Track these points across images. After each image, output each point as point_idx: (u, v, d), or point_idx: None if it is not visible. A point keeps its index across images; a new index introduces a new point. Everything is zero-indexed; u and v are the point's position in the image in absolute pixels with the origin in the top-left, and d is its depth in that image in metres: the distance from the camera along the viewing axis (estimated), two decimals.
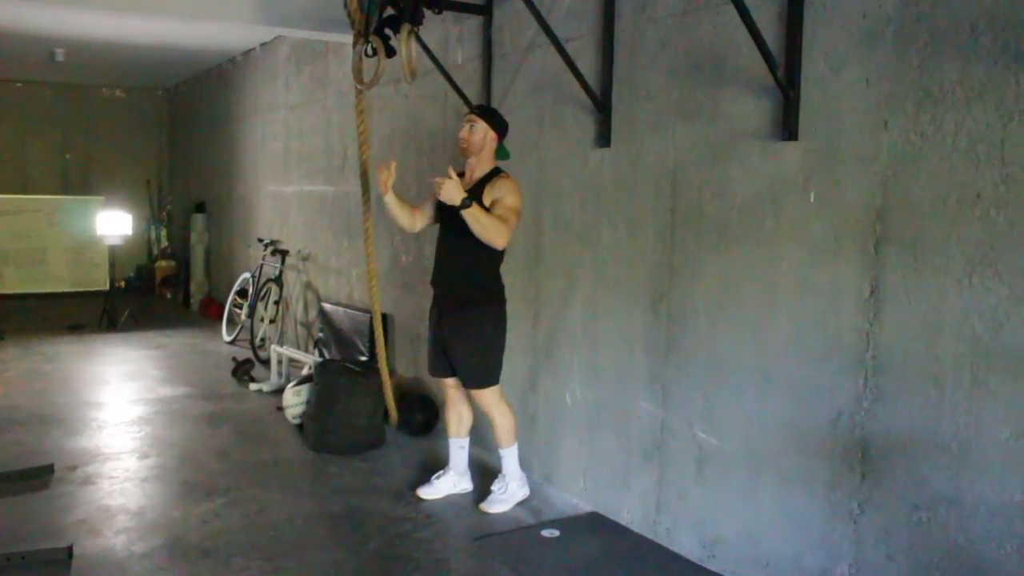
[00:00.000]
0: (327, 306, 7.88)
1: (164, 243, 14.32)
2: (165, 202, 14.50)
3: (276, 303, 8.77)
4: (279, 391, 7.15)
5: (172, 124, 14.53)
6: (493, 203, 4.28)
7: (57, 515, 4.50)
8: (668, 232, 4.12)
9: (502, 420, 4.56)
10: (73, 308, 11.93)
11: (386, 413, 5.63)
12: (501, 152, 4.51)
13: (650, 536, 4.29)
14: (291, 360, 7.60)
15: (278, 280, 8.76)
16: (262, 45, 9.72)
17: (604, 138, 4.46)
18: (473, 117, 4.42)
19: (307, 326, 8.61)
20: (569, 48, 4.53)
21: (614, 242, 4.47)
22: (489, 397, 4.51)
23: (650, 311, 4.25)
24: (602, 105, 4.42)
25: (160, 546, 4.14)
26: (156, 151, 14.80)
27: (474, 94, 5.48)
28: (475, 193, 4.30)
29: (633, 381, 4.38)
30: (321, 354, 7.72)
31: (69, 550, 4.02)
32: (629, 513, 4.44)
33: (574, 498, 4.84)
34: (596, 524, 4.52)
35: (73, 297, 12.90)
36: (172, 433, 6.10)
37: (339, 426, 5.63)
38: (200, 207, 12.50)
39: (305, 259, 8.60)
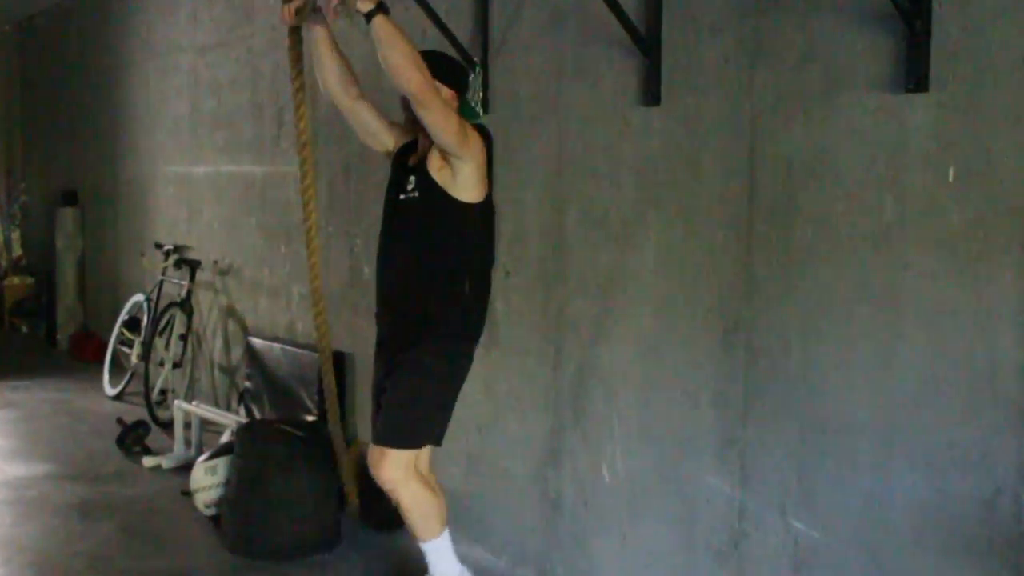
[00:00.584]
0: (257, 342, 8.01)
1: (16, 252, 14.52)
2: (17, 191, 14.70)
3: (183, 338, 8.91)
4: (188, 466, 7.25)
5: (25, 76, 14.74)
6: (446, 158, 4.39)
7: None
8: (744, 229, 4.21)
9: (413, 503, 4.63)
10: None
11: (341, 497, 5.73)
12: (466, 111, 4.62)
13: None
14: (204, 422, 7.73)
15: (185, 304, 8.91)
16: None
17: (651, 92, 4.57)
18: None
19: (228, 371, 8.74)
20: None
21: (667, 244, 4.57)
22: (391, 466, 4.51)
23: (721, 346, 4.34)
24: (648, 44, 4.53)
25: None
26: (3, 115, 15.01)
27: (464, 30, 5.60)
28: (422, 171, 4.46)
29: (698, 448, 4.47)
30: (249, 412, 7.85)
31: None
32: None
33: None
34: None
35: None
36: (23, 532, 6.19)
37: (273, 517, 5.72)
38: (69, 198, 12.68)
39: (225, 273, 8.75)
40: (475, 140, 4.38)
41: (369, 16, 4.13)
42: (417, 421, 4.56)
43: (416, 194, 4.45)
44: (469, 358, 4.66)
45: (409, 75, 4.13)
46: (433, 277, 4.49)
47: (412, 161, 4.57)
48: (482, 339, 5.50)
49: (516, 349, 5.49)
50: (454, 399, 4.67)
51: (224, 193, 8.75)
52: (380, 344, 4.70)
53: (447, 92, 4.48)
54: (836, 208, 3.85)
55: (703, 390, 4.43)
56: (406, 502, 4.61)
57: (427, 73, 4.18)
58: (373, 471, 4.55)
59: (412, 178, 4.46)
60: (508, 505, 5.61)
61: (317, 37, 4.58)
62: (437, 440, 4.69)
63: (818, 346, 3.95)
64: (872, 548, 3.80)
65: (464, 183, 4.40)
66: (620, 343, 4.85)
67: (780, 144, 4.06)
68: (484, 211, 4.55)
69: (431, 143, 4.42)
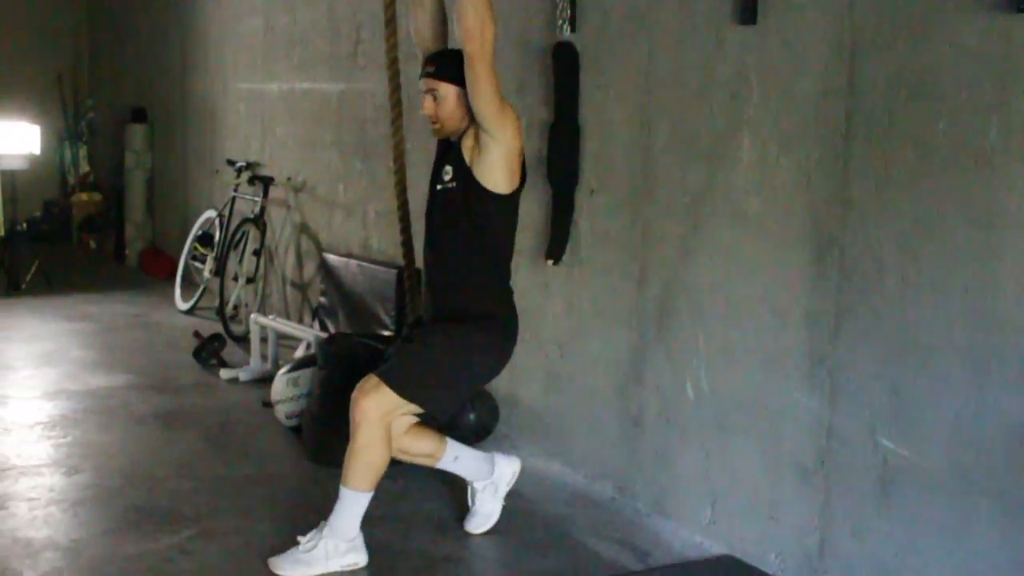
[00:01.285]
0: (332, 258, 8.09)
1: (84, 168, 14.65)
2: (85, 108, 14.80)
3: (256, 254, 9.01)
4: (264, 379, 7.39)
5: None
6: (478, 136, 4.37)
7: None
8: (841, 149, 4.21)
9: (367, 446, 4.45)
10: None
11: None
12: None
13: None
14: (280, 336, 7.84)
15: (258, 221, 8.99)
16: None
17: (747, 10, 4.53)
18: (432, 82, 4.49)
19: (301, 287, 8.84)
20: None
21: (760, 164, 4.58)
22: (375, 401, 4.41)
23: (813, 265, 4.36)
24: None
25: None
26: (71, 31, 15.08)
27: None
28: (456, 155, 4.45)
29: (787, 366, 4.50)
30: (323, 326, 7.94)
31: None
32: (779, 557, 4.59)
33: (697, 535, 4.99)
34: (730, 572, 4.66)
35: None
36: (111, 439, 6.37)
37: None
38: (138, 115, 12.78)
39: (298, 190, 8.82)
40: (512, 124, 4.37)
41: None
42: (429, 380, 4.51)
43: (453, 184, 4.45)
44: (503, 358, 4.66)
45: (475, 31, 4.14)
46: (480, 273, 4.51)
47: (449, 147, 4.57)
48: (565, 257, 5.59)
49: (599, 267, 5.52)
50: (470, 386, 4.69)
51: (298, 110, 8.79)
52: (418, 323, 4.77)
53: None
54: (938, 128, 3.83)
55: (793, 308, 4.45)
56: (362, 441, 4.43)
57: (492, 40, 4.18)
58: (355, 394, 4.45)
59: (448, 167, 4.46)
60: (588, 421, 5.68)
61: None
62: (436, 412, 4.65)
63: (915, 266, 3.95)
64: (963, 469, 3.82)
65: (493, 166, 4.36)
66: (708, 261, 4.87)
67: (881, 64, 4.03)
68: (515, 204, 4.55)
69: (468, 123, 4.45)
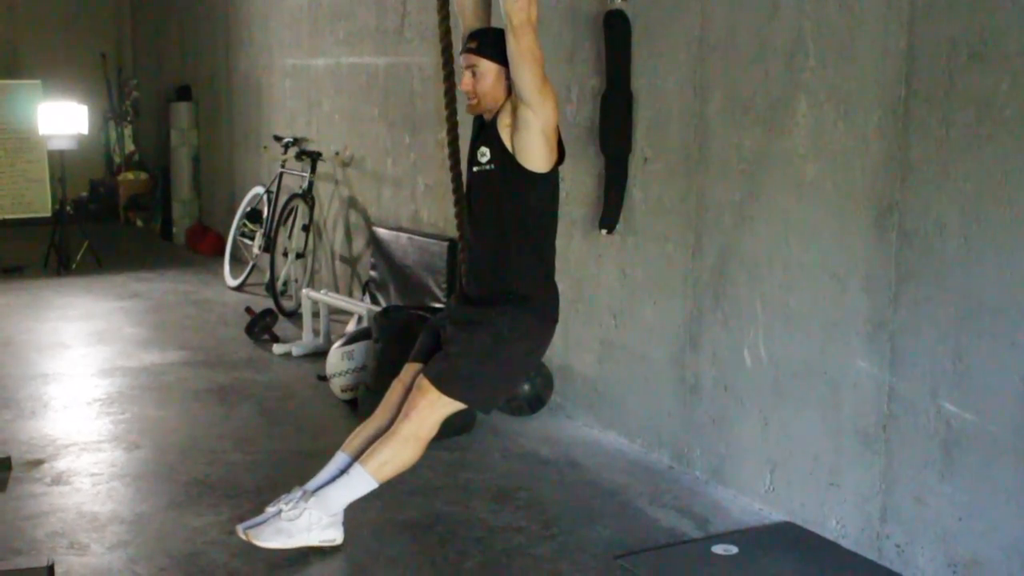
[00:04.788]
0: (382, 232, 8.12)
1: (130, 147, 14.77)
2: (130, 87, 14.90)
3: (305, 229, 9.05)
4: (317, 353, 7.45)
5: None
6: (516, 112, 4.32)
7: (22, 526, 4.81)
8: (901, 111, 4.18)
9: (404, 445, 4.42)
10: (3, 243, 12.42)
11: None
12: None
13: (872, 556, 4.42)
14: (331, 310, 7.88)
15: (307, 196, 9.04)
16: None
17: None
18: (473, 58, 4.44)
19: (350, 261, 8.88)
20: None
21: (817, 128, 4.56)
22: (430, 404, 4.41)
23: (873, 229, 4.34)
24: None
25: (174, 566, 4.43)
26: (114, 10, 15.17)
27: None
28: (493, 135, 4.41)
29: (846, 332, 4.49)
30: (374, 300, 7.98)
31: (50, 570, 4.31)
32: (840, 523, 4.59)
33: (756, 502, 5.01)
34: (791, 538, 4.68)
35: (1, 227, 13.41)
36: (168, 415, 6.44)
37: None
38: (183, 93, 12.85)
39: (346, 165, 8.85)
40: (552, 98, 4.31)
41: None
42: (478, 381, 4.48)
43: (490, 167, 4.42)
44: (547, 341, 4.63)
45: (521, 14, 4.11)
46: (519, 254, 4.46)
47: (483, 128, 4.52)
48: (618, 226, 5.59)
49: (654, 235, 5.52)
50: (515, 377, 4.65)
51: (345, 85, 8.81)
52: (462, 297, 4.71)
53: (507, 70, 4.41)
54: (1001, 89, 3.80)
55: (852, 273, 4.44)
56: (403, 434, 4.40)
57: (536, 12, 4.15)
58: (413, 392, 4.44)
59: (485, 149, 4.43)
60: (644, 390, 5.68)
61: None
62: (483, 408, 4.70)
63: (977, 228, 3.93)
64: None
65: (530, 143, 4.31)
66: (765, 227, 4.86)
67: (941, 24, 4.00)
68: (554, 183, 4.52)
69: (504, 100, 4.41)
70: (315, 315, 7.80)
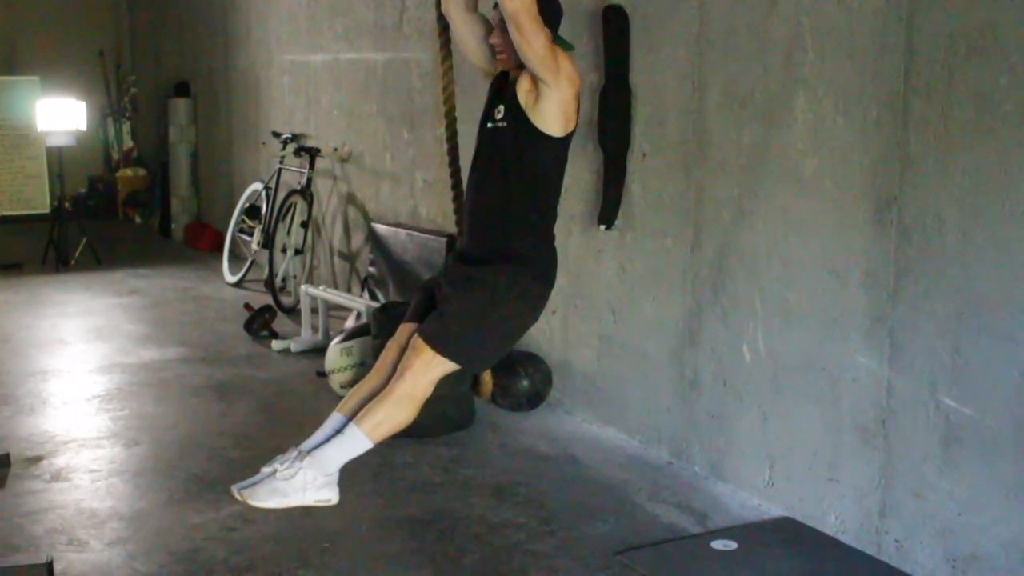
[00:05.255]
0: (380, 228, 8.13)
1: (128, 144, 14.77)
2: (128, 83, 14.90)
3: (303, 225, 9.06)
4: (316, 350, 7.46)
5: None
6: (536, 81, 4.28)
7: (21, 522, 4.82)
8: (899, 106, 4.18)
9: (399, 404, 4.35)
10: (2, 239, 12.42)
11: (475, 379, 5.86)
12: (560, 44, 4.53)
13: (871, 552, 4.43)
14: (330, 306, 7.88)
15: (305, 192, 9.04)
16: None
17: None
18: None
19: (349, 257, 8.89)
20: None
21: (816, 122, 4.56)
22: (422, 362, 4.34)
23: (872, 224, 4.34)
24: None
25: (173, 563, 4.44)
26: (112, 7, 15.17)
27: None
28: (511, 96, 4.35)
29: (845, 327, 4.49)
30: (373, 296, 7.99)
31: (49, 567, 4.32)
32: (839, 518, 4.59)
33: (755, 497, 5.01)
34: (790, 534, 4.68)
35: (0, 224, 13.41)
36: (167, 411, 6.44)
37: None
38: (181, 89, 12.86)
39: (345, 160, 8.85)
40: (568, 69, 4.26)
41: None
42: (472, 341, 4.42)
43: (504, 124, 4.37)
44: (542, 305, 4.55)
45: (515, 1, 4.05)
46: (522, 212, 4.42)
47: (503, 87, 4.48)
48: (617, 222, 5.60)
49: (652, 231, 5.52)
50: (512, 339, 4.55)
51: (343, 81, 8.81)
52: (459, 257, 4.62)
53: None
54: (1000, 84, 3.80)
55: (852, 269, 4.44)
56: (398, 394, 4.33)
57: (537, 27, 4.10)
58: (408, 352, 4.37)
59: (501, 107, 4.39)
60: (643, 386, 5.69)
61: None
62: (476, 367, 4.66)
63: (976, 223, 3.93)
64: None
65: (548, 112, 4.27)
66: (763, 223, 4.86)
67: (940, 18, 4.00)
68: (565, 148, 4.46)
69: (523, 67, 4.39)
70: (314, 311, 7.80)
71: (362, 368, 6.23)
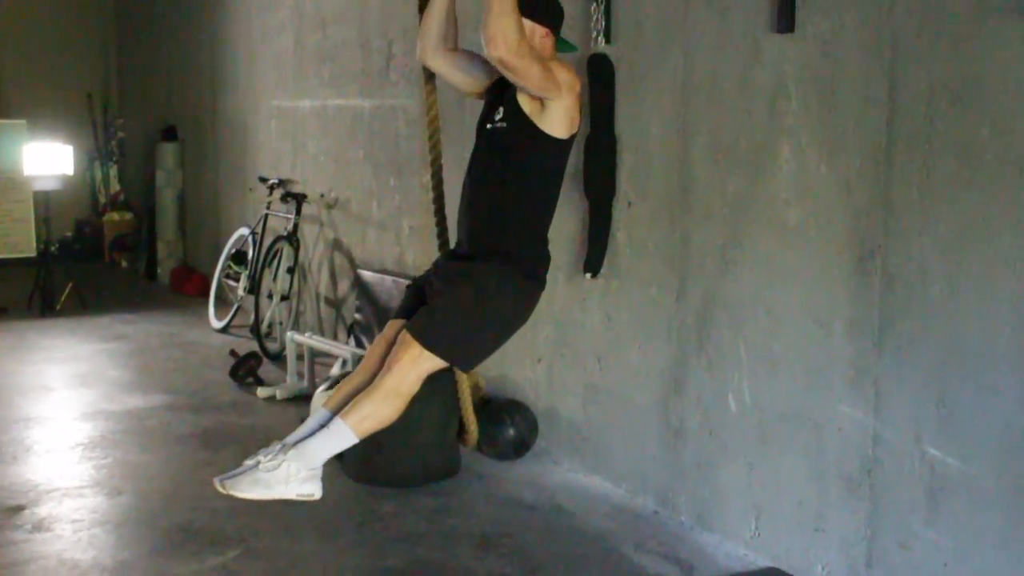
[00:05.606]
0: (367, 274, 8.12)
1: (115, 187, 14.77)
2: (116, 127, 14.92)
3: (290, 271, 9.05)
4: (301, 397, 7.42)
5: (123, 11, 14.93)
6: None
7: (2, 574, 4.78)
8: (882, 156, 4.20)
9: (386, 399, 4.30)
10: None
11: (461, 428, 5.83)
12: (562, 46, 4.52)
13: None
14: (316, 353, 7.86)
15: (291, 238, 9.03)
16: None
17: (785, 17, 4.55)
18: None
19: (335, 304, 8.87)
20: None
21: (800, 172, 4.58)
22: (409, 358, 4.28)
23: (856, 274, 4.35)
24: None
25: None
26: (100, 51, 15.22)
27: None
28: (512, 100, 4.33)
29: (830, 376, 4.49)
30: (359, 343, 7.97)
31: None
32: (825, 569, 4.57)
33: (742, 547, 4.99)
34: None
35: None
36: (151, 460, 6.40)
37: (395, 446, 5.84)
38: (169, 133, 12.87)
39: (331, 206, 8.86)
40: (567, 80, 4.25)
41: None
42: (461, 337, 4.36)
43: (503, 124, 4.36)
44: (533, 304, 4.51)
45: (497, 37, 4.00)
46: (519, 211, 4.40)
47: (503, 89, 4.44)
48: (603, 270, 5.60)
49: (638, 279, 5.52)
50: (502, 338, 4.49)
51: (330, 127, 8.83)
52: (452, 255, 4.58)
53: (541, 30, 4.35)
54: (981, 135, 3.83)
55: (836, 318, 4.45)
56: (384, 389, 4.27)
57: (517, 39, 4.03)
58: (396, 347, 4.32)
59: (501, 108, 4.38)
60: (628, 434, 5.67)
61: None
62: (463, 364, 4.52)
63: (959, 273, 3.94)
64: (1014, 476, 3.80)
65: (553, 119, 4.28)
66: (748, 272, 4.87)
67: (923, 70, 4.03)
68: (567, 149, 4.45)
69: None
70: (300, 358, 7.78)
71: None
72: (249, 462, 4.27)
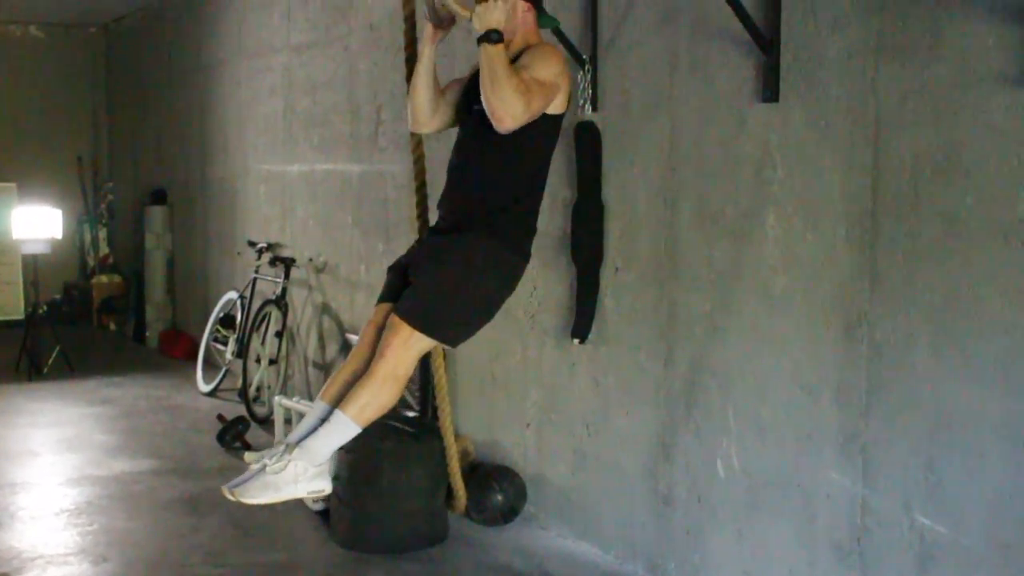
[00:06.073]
0: (354, 339, 8.07)
1: (104, 250, 14.77)
2: (104, 190, 14.95)
3: (278, 335, 9.04)
4: None
5: (113, 76, 15.00)
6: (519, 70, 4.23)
7: None
8: (868, 224, 4.24)
9: (382, 386, 4.24)
10: None
11: (449, 493, 5.81)
12: (544, 20, 4.46)
13: None
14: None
15: (280, 302, 9.03)
16: None
17: (770, 89, 4.60)
18: None
19: (323, 368, 8.85)
20: None
21: (786, 240, 4.61)
22: (400, 340, 4.24)
23: (843, 341, 4.37)
24: (767, 41, 4.56)
25: None
26: (90, 115, 15.27)
27: (573, 26, 5.66)
28: None
29: (819, 443, 4.50)
30: None
31: None
32: None
33: None
34: None
35: None
36: (136, 526, 6.37)
37: (383, 512, 5.83)
38: (158, 197, 12.88)
39: (320, 270, 8.86)
40: (559, 72, 4.20)
41: (484, 37, 4.03)
42: (448, 313, 4.31)
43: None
44: (517, 276, 4.43)
45: (503, 107, 4.02)
46: (505, 187, 4.33)
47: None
48: (591, 336, 5.60)
49: (626, 345, 5.53)
50: (489, 312, 4.40)
51: (319, 191, 8.86)
52: (434, 231, 4.55)
53: (523, 4, 4.33)
54: (965, 203, 3.86)
55: (824, 385, 4.46)
56: (380, 375, 4.21)
57: (519, 99, 4.04)
58: (386, 331, 4.26)
59: None
60: (617, 500, 5.66)
61: (427, 59, 4.44)
62: (453, 341, 4.45)
63: (945, 340, 3.97)
64: (1004, 544, 3.81)
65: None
66: (736, 338, 4.89)
67: (906, 140, 4.07)
68: (558, 125, 4.38)
69: (520, 41, 4.33)
70: (288, 422, 7.73)
71: (335, 482, 6.18)
72: (255, 467, 4.19)
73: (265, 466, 4.16)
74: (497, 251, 4.30)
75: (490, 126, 4.14)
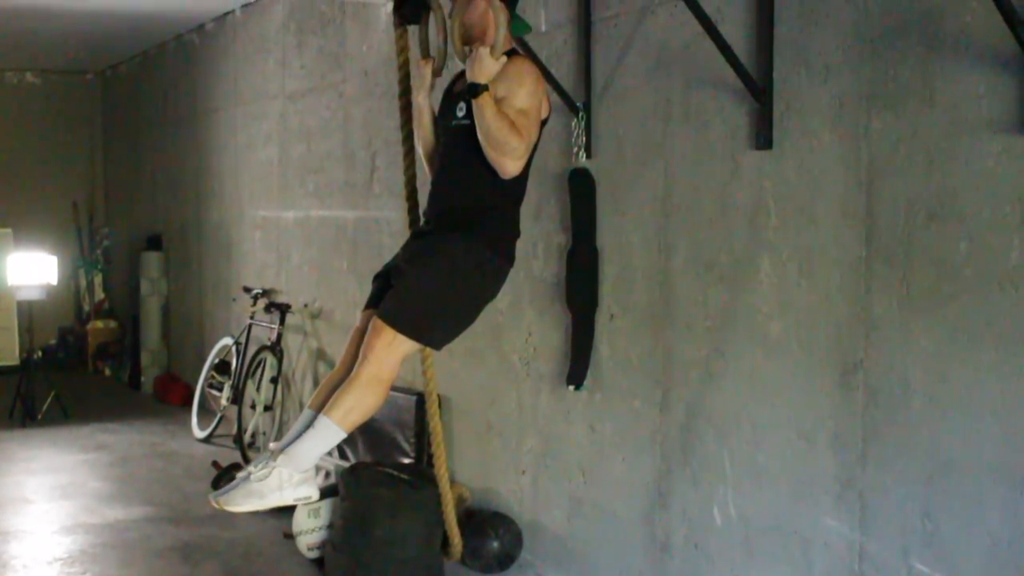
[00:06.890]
0: None
1: (100, 295, 14.76)
2: (100, 235, 14.95)
3: (273, 381, 9.02)
4: (283, 510, 7.33)
5: (109, 122, 15.04)
6: (499, 102, 4.18)
7: None
8: (862, 271, 4.24)
9: (367, 388, 4.20)
10: None
11: (445, 541, 5.78)
12: (516, 26, 4.42)
13: None
14: None
15: (275, 348, 9.02)
16: (244, 7, 10.11)
17: (763, 136, 4.62)
18: None
19: None
20: (708, 5, 4.71)
21: (780, 286, 4.61)
22: (383, 343, 4.20)
23: (839, 387, 4.36)
24: (760, 89, 4.58)
25: None
26: (87, 161, 15.30)
27: (567, 74, 5.68)
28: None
29: (815, 490, 4.48)
30: (342, 455, 7.92)
31: None
32: None
33: None
34: None
35: None
36: (130, 575, 6.33)
37: (378, 560, 5.80)
38: (153, 242, 12.89)
39: (315, 316, 8.85)
40: (536, 85, 4.20)
41: (472, 92, 4.05)
42: (430, 315, 4.27)
43: (467, 121, 4.24)
44: (501, 279, 4.40)
45: (504, 157, 4.07)
46: (485, 192, 4.29)
47: (460, 87, 4.38)
48: (586, 382, 5.59)
49: (621, 391, 5.52)
50: (471, 314, 4.38)
51: (314, 237, 8.86)
52: (416, 235, 4.53)
53: (499, 3, 4.20)
54: (959, 249, 3.87)
55: (820, 431, 4.45)
56: (364, 378, 4.17)
57: (517, 142, 4.07)
58: (369, 334, 4.23)
59: (463, 104, 4.27)
60: (614, 547, 5.63)
61: (423, 105, 4.50)
62: (436, 343, 4.42)
63: (941, 386, 3.96)
64: None
65: None
66: (731, 385, 4.88)
67: (899, 187, 4.09)
68: (539, 131, 4.33)
69: (481, 39, 4.28)
70: None
71: (329, 530, 6.17)
72: (241, 475, 4.15)
73: (250, 474, 4.12)
74: (480, 252, 4.28)
75: (471, 132, 4.15)
